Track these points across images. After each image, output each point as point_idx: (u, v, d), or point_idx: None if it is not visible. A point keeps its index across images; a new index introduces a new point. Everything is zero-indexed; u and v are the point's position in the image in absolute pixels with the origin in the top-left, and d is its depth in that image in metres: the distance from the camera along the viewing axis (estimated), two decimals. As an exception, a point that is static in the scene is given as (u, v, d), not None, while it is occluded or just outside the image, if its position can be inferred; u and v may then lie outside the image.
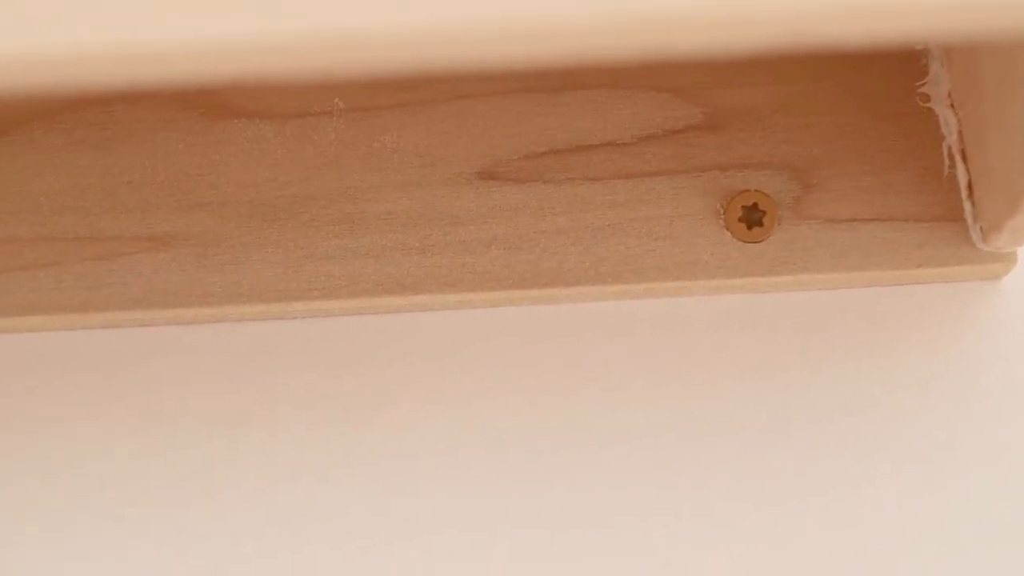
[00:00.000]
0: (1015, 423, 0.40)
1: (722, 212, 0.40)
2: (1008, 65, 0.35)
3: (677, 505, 0.39)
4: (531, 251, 0.40)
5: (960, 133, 0.40)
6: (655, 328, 0.41)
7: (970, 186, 0.40)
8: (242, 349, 0.41)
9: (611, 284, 0.40)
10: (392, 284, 0.40)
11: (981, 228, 0.39)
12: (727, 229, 0.40)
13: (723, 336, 0.41)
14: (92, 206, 0.41)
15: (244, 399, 0.40)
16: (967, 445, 0.40)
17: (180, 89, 0.42)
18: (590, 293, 0.40)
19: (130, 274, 0.40)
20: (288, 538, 0.39)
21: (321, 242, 0.41)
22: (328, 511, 0.39)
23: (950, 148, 0.40)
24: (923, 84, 0.41)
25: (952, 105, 0.40)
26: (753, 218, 0.40)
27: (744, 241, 0.40)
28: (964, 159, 0.40)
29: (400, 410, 0.40)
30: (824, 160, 0.41)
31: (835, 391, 0.40)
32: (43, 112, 0.42)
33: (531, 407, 0.40)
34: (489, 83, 0.42)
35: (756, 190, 0.40)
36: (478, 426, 0.40)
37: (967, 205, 0.40)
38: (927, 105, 0.41)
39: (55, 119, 0.42)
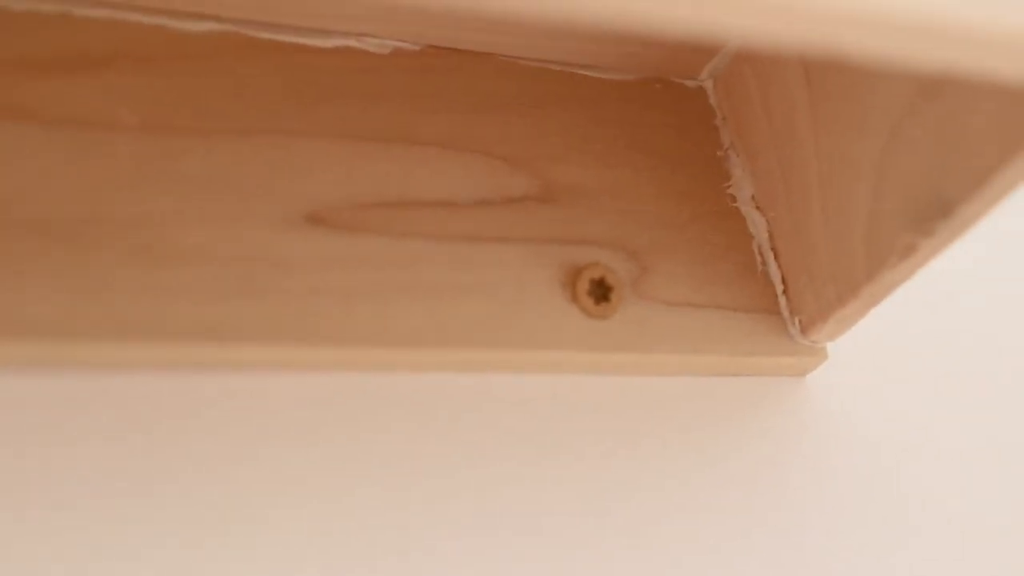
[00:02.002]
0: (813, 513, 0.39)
1: (569, 285, 0.37)
2: (839, 160, 0.37)
3: None
4: (370, 306, 0.34)
5: (770, 233, 0.41)
6: (490, 404, 0.36)
7: (784, 282, 0.40)
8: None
9: (459, 349, 0.35)
10: (206, 330, 0.32)
11: (800, 322, 0.40)
12: (574, 302, 0.37)
13: (549, 415, 0.37)
14: None
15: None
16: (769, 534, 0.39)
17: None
18: (439, 358, 0.35)
19: None
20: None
21: (119, 272, 0.32)
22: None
23: (760, 247, 0.41)
24: (728, 186, 0.42)
25: (758, 207, 0.41)
26: (599, 293, 0.38)
27: (591, 316, 0.37)
28: (776, 256, 0.41)
29: (192, 481, 0.31)
30: (654, 246, 0.40)
31: (651, 476, 0.37)
32: None
33: (355, 485, 0.33)
34: (307, 122, 0.37)
35: (604, 264, 0.38)
36: (285, 505, 0.32)
37: (782, 300, 0.40)
38: (735, 206, 0.42)
39: None
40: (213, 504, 0.31)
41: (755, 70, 0.42)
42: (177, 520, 0.30)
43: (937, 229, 0.34)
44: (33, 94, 0.33)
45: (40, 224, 0.31)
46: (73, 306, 0.31)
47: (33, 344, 0.30)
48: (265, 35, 0.37)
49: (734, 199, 0.42)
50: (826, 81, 0.38)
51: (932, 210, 0.34)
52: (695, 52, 0.43)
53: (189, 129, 0.35)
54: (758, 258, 0.41)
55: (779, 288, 0.41)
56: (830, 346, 0.41)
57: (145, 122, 0.34)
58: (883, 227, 0.36)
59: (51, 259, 0.31)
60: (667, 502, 0.37)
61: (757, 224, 0.41)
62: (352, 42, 0.38)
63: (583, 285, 0.37)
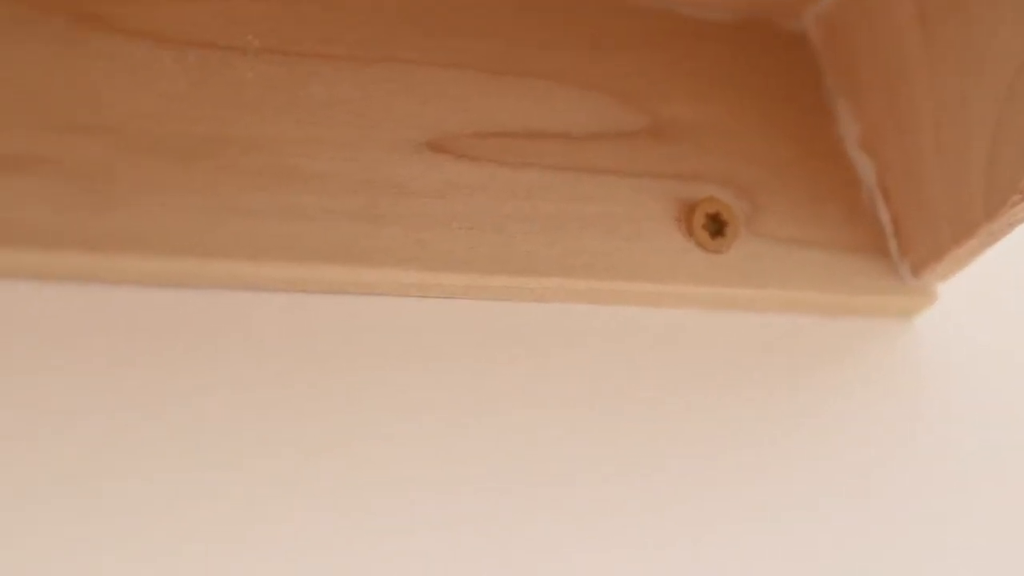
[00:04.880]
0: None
1: (684, 219, 0.37)
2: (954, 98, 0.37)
3: (596, 514, 0.33)
4: (493, 235, 0.34)
5: (878, 173, 0.40)
6: (610, 337, 0.36)
7: (894, 222, 0.40)
8: (135, 319, 0.30)
9: (582, 279, 0.35)
10: (335, 253, 0.32)
11: (910, 262, 0.39)
12: (690, 236, 0.37)
13: (663, 349, 0.36)
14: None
15: (127, 386, 0.29)
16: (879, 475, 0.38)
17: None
18: (560, 287, 0.35)
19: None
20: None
21: (245, 195, 0.32)
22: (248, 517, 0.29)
23: (869, 187, 0.41)
24: (834, 128, 0.41)
25: (866, 148, 0.41)
26: (714, 228, 0.37)
27: (707, 250, 0.37)
28: (886, 197, 0.40)
29: (330, 408, 0.31)
30: (764, 184, 0.39)
31: (757, 414, 0.37)
32: None
33: (483, 413, 0.33)
34: (423, 52, 0.36)
35: (719, 199, 0.38)
36: (419, 430, 0.32)
37: (892, 241, 0.40)
38: (841, 147, 0.41)
39: None
40: (345, 424, 0.31)
41: (863, 12, 0.41)
42: (319, 440, 0.30)
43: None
44: (163, 17, 0.33)
45: (169, 144, 0.31)
46: (201, 226, 0.30)
47: (165, 259, 0.30)
48: (382, -36, 0.37)
49: (840, 140, 0.41)
50: (943, 24, 0.38)
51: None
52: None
53: (312, 55, 0.34)
54: (866, 199, 0.41)
55: (889, 229, 0.40)
56: (940, 290, 0.40)
57: (269, 47, 0.34)
58: (1003, 166, 0.36)
59: (180, 179, 0.31)
60: (772, 441, 0.37)
61: (865, 165, 0.41)
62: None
63: (699, 219, 0.37)
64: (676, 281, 0.36)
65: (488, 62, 0.37)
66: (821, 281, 0.38)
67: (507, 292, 0.34)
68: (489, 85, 0.37)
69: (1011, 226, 0.37)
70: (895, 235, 0.40)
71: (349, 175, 0.33)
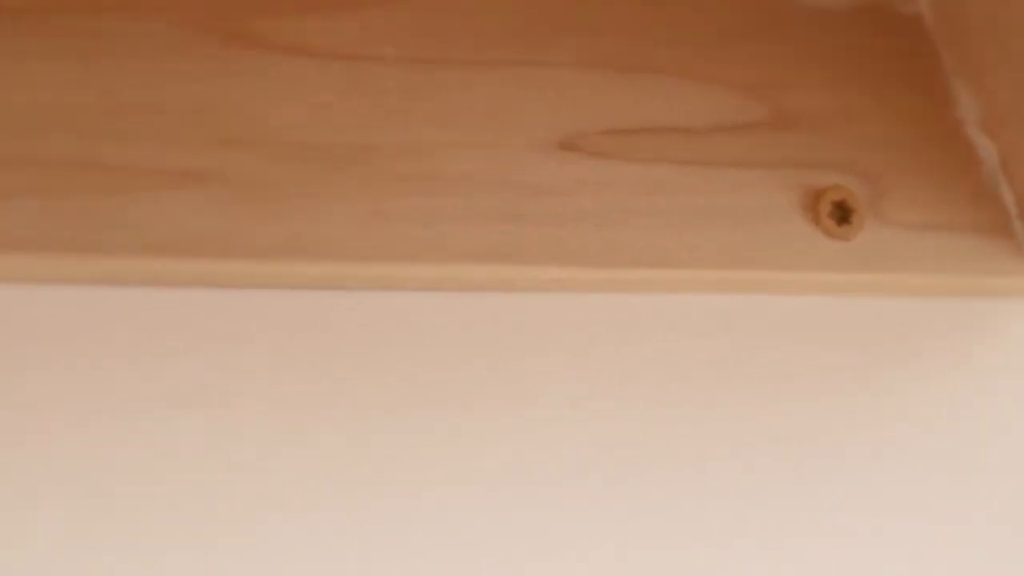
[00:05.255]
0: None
1: (810, 207, 0.38)
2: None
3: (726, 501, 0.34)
4: (624, 230, 0.35)
5: (1001, 156, 0.41)
6: (740, 326, 0.37)
7: (1018, 204, 0.40)
8: (296, 320, 0.32)
9: (712, 270, 0.36)
10: (481, 252, 0.33)
11: (1036, 244, 0.40)
12: (817, 224, 0.38)
13: (793, 336, 0.37)
14: (87, 128, 0.31)
15: (292, 383, 0.31)
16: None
17: (194, 11, 0.34)
18: (692, 278, 0.36)
19: (148, 213, 0.31)
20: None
21: (394, 199, 0.33)
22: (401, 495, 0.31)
23: (991, 170, 0.41)
24: (953, 111, 0.42)
25: (987, 131, 0.41)
26: (840, 215, 0.38)
27: (834, 238, 0.38)
28: (1009, 178, 0.41)
29: (474, 399, 0.33)
30: (887, 169, 0.40)
31: (888, 396, 0.38)
32: (9, 11, 0.32)
33: (629, 404, 0.34)
34: (549, 52, 0.38)
35: (844, 186, 0.38)
36: (563, 421, 0.33)
37: (1017, 223, 0.40)
38: (961, 130, 0.42)
39: (23, 21, 0.32)
40: (503, 415, 0.32)
41: (980, -7, 0.41)
42: (485, 432, 0.32)
43: None
44: (308, 32, 0.35)
45: (320, 153, 0.33)
46: (356, 230, 0.32)
47: (327, 263, 0.32)
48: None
49: (960, 122, 0.42)
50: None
51: None
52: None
53: (445, 61, 0.36)
54: (989, 180, 0.41)
55: (1013, 210, 0.40)
56: (1066, 268, 0.40)
57: (405, 56, 0.36)
58: None
59: (333, 186, 0.33)
60: (903, 424, 0.38)
61: (986, 146, 0.41)
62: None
63: (825, 207, 0.38)
64: (804, 269, 0.37)
65: (613, 59, 0.38)
66: (946, 264, 0.39)
67: (641, 285, 0.35)
68: (615, 83, 0.38)
69: None
70: (1019, 216, 0.40)
71: (489, 176, 0.35)
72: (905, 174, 0.40)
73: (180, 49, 0.33)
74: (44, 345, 0.29)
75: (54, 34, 0.32)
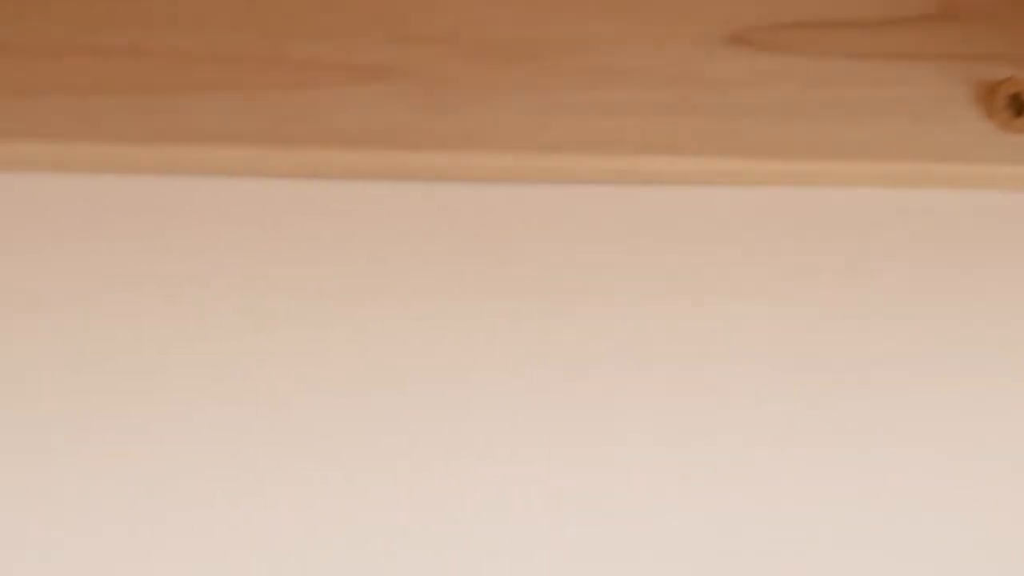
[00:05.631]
0: None
1: (984, 100, 0.37)
2: None
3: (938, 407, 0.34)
4: (798, 123, 0.35)
5: None
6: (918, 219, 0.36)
7: None
8: (478, 209, 0.32)
9: (887, 162, 0.35)
10: (656, 144, 0.33)
11: None
12: (991, 117, 0.37)
13: (964, 229, 0.37)
14: (273, 25, 0.32)
15: (481, 271, 0.31)
16: None
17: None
18: (867, 171, 0.35)
19: (335, 107, 0.31)
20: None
21: (569, 92, 0.33)
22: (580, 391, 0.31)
23: None
24: None
25: None
26: (1016, 107, 0.37)
27: (1009, 130, 0.37)
28: None
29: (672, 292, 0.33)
30: (1061, 60, 0.39)
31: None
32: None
33: (801, 295, 0.34)
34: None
35: (1019, 79, 0.37)
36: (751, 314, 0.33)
37: None
38: None
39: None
40: (676, 302, 0.32)
41: None
42: (651, 315, 0.32)
43: None
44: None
45: (494, 47, 0.33)
46: (533, 123, 0.32)
47: (507, 154, 0.32)
48: None
49: None
50: None
51: None
52: None
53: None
54: None
55: None
56: None
57: (572, -49, 0.35)
58: None
59: (509, 80, 0.33)
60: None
61: None
62: None
63: (1000, 100, 0.37)
64: (979, 161, 0.36)
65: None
66: None
67: (816, 177, 0.35)
68: (782, -24, 0.37)
69: None
70: None
71: (661, 70, 0.34)
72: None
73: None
74: (242, 235, 0.29)
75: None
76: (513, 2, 0.34)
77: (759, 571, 0.29)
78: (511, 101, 0.33)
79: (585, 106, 0.33)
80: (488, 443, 0.29)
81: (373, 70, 0.32)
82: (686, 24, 0.35)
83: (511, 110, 0.32)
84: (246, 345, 0.29)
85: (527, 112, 0.33)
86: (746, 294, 0.34)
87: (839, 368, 0.33)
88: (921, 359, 0.34)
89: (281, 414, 0.28)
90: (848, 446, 0.32)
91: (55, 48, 0.30)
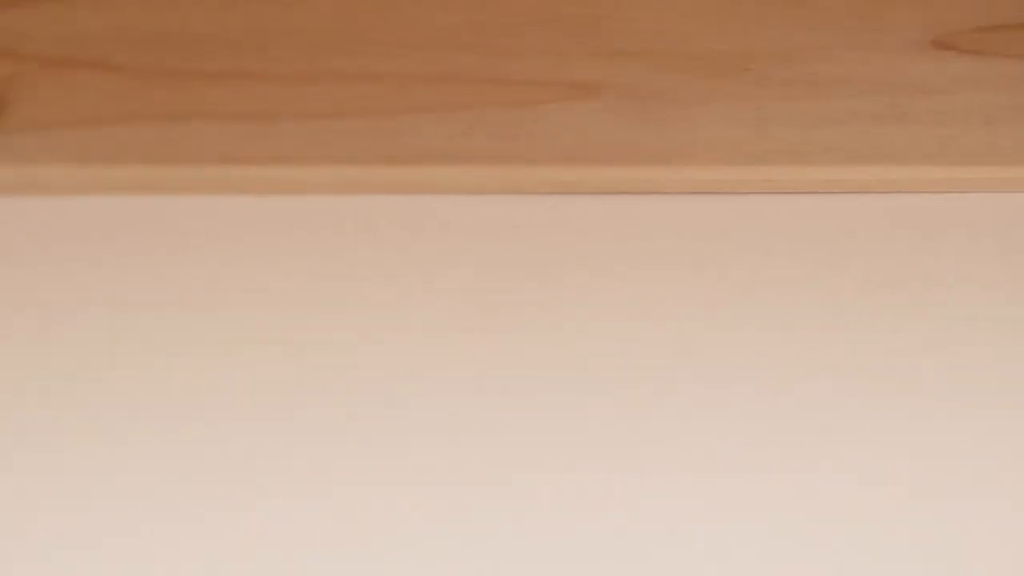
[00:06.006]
0: None
1: None
2: None
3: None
4: (1014, 128, 0.35)
5: None
6: None
7: None
8: (687, 223, 0.32)
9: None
10: (871, 153, 0.33)
11: None
12: None
13: None
14: (493, 45, 0.33)
15: (698, 282, 0.32)
16: None
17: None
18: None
19: (555, 124, 0.32)
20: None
21: (777, 104, 0.33)
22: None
23: None
24: None
25: None
26: None
27: None
28: None
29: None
30: None
31: None
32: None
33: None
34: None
35: None
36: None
37: None
38: None
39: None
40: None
41: None
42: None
43: None
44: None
45: (701, 59, 0.33)
46: (747, 133, 0.32)
47: (721, 167, 0.32)
48: None
49: None
50: None
51: None
52: None
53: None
54: None
55: None
56: None
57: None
58: None
59: (717, 91, 0.33)
60: None
61: None
62: None
63: None
64: None
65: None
66: None
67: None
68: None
69: None
70: None
71: (867, 78, 0.34)
72: None
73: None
74: (466, 250, 0.30)
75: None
76: (716, 15, 0.34)
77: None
78: (717, 114, 0.33)
79: (793, 117, 0.33)
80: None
81: (586, 87, 0.32)
82: (889, 32, 0.35)
83: (718, 123, 0.33)
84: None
85: (734, 125, 0.33)
86: (972, 309, 0.33)
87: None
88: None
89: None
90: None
91: (294, 75, 0.31)
